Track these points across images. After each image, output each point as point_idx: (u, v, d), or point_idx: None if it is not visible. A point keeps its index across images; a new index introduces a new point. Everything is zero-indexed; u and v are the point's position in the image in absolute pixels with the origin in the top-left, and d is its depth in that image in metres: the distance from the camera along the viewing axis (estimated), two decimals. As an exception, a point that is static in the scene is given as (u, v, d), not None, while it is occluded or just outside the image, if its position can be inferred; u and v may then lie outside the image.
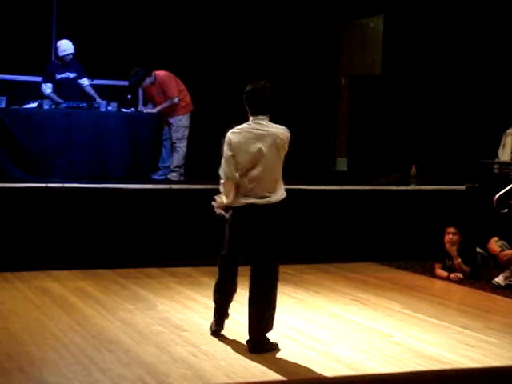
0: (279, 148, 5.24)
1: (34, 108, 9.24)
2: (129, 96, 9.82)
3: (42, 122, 9.08)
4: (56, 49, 9.64)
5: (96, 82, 10.13)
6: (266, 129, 5.27)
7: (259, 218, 5.26)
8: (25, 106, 9.29)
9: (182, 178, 9.66)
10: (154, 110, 9.67)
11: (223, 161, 5.33)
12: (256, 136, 5.25)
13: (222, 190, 5.42)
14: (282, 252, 5.40)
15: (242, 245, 5.42)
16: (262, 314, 5.28)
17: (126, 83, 9.98)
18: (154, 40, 10.96)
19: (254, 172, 5.22)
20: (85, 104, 9.43)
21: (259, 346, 5.21)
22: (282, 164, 5.31)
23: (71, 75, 9.64)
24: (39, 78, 9.78)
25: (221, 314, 5.58)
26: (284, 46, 11.90)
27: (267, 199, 5.24)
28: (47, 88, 9.55)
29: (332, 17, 12.46)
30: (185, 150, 9.71)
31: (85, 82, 9.73)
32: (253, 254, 5.36)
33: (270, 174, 5.25)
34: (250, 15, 11.74)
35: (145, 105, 10.10)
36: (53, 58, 9.68)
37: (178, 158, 9.68)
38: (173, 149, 9.70)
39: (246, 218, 5.31)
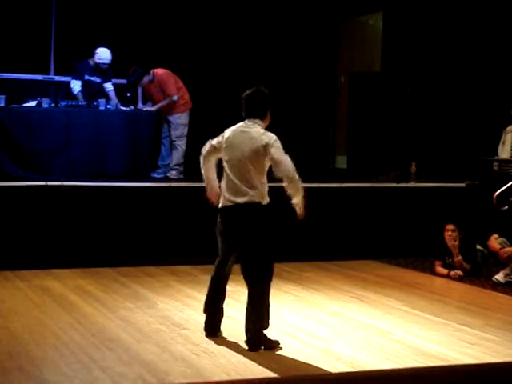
0: (257, 153, 5.25)
1: (33, 106, 9.24)
2: (128, 94, 9.82)
3: (41, 121, 9.08)
4: (94, 53, 9.61)
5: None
6: (250, 132, 5.33)
7: (242, 217, 5.32)
8: (24, 105, 9.29)
9: (182, 176, 9.65)
10: (153, 108, 9.67)
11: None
12: (241, 137, 5.34)
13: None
14: (268, 250, 5.37)
15: (232, 244, 5.46)
16: (253, 313, 5.29)
17: (125, 81, 9.98)
18: (153, 38, 10.96)
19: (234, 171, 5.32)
20: (84, 102, 9.43)
21: (255, 343, 5.23)
22: (263, 168, 5.34)
23: (98, 80, 9.68)
24: (38, 77, 9.77)
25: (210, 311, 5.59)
26: (283, 43, 11.89)
27: (246, 198, 5.27)
28: (76, 86, 9.59)
29: (331, 14, 12.45)
30: (184, 147, 9.70)
31: (109, 86, 9.75)
32: (240, 254, 5.41)
33: (245, 176, 5.28)
34: (249, 13, 11.74)
35: (144, 103, 10.10)
36: (89, 60, 9.67)
37: (177, 157, 9.68)
38: (172, 147, 9.70)
39: (231, 218, 5.37)
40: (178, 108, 9.68)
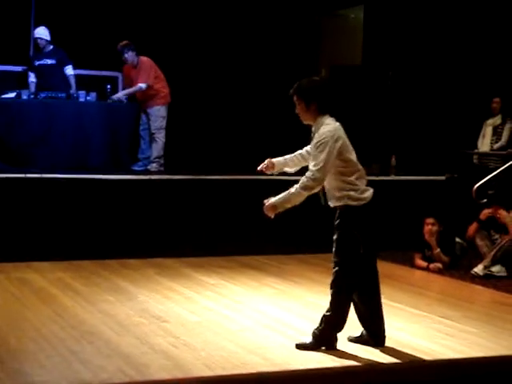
0: None
1: (12, 98, 9.18)
2: (108, 86, 9.77)
3: (20, 112, 9.03)
4: (33, 35, 9.66)
5: (75, 71, 10.06)
6: None
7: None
8: (3, 96, 9.22)
9: (162, 168, 9.63)
10: (120, 94, 9.61)
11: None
12: None
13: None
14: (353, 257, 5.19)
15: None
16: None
17: (105, 73, 9.94)
18: (134, 30, 10.90)
19: None
20: (64, 94, 9.37)
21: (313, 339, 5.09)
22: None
23: (49, 61, 9.60)
24: (18, 68, 9.72)
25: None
26: (265, 36, 11.89)
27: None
28: (30, 78, 9.63)
29: (313, 8, 12.45)
30: (163, 140, 9.68)
31: (68, 70, 9.70)
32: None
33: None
34: (230, 6, 11.72)
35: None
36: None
37: (157, 149, 9.66)
38: (151, 139, 9.67)
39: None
40: (157, 100, 9.65)
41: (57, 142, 9.08)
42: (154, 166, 9.60)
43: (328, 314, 5.13)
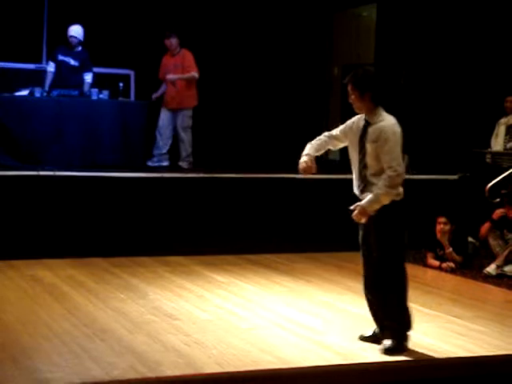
0: None
1: (25, 95, 9.21)
2: (120, 84, 9.78)
3: (33, 110, 9.05)
4: (67, 32, 9.61)
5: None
6: None
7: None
8: (16, 94, 9.25)
9: (191, 166, 9.72)
10: (171, 77, 9.60)
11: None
12: None
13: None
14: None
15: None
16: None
17: (118, 71, 9.95)
18: (147, 30, 10.91)
19: None
20: (76, 92, 9.39)
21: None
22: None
23: (72, 62, 9.58)
24: (31, 66, 9.73)
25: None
26: (277, 35, 11.87)
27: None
28: (49, 67, 9.59)
29: (325, 6, 12.43)
30: (190, 138, 9.79)
31: (88, 77, 9.65)
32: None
33: None
34: (245, 4, 11.71)
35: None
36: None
37: (185, 149, 9.79)
38: (179, 139, 9.75)
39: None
40: (191, 101, 9.71)
41: (69, 139, 9.10)
42: (185, 164, 9.74)
43: (388, 322, 5.10)
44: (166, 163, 9.79)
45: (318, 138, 5.37)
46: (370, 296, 5.21)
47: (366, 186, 5.11)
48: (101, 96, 9.45)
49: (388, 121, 5.10)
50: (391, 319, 5.11)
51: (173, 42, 9.66)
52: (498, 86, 10.17)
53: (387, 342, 5.07)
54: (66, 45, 9.59)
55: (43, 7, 10.73)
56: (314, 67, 12.41)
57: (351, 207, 5.08)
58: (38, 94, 9.18)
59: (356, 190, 5.23)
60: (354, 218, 5.07)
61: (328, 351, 5.04)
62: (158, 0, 11.21)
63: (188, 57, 9.68)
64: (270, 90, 11.92)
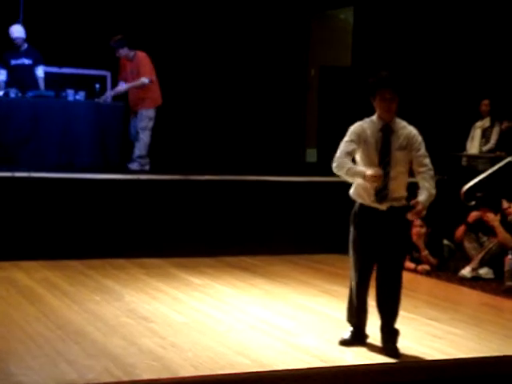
0: None
1: (-1, 97, 9.14)
2: (97, 85, 9.73)
3: (8, 111, 8.98)
4: (9, 34, 9.48)
5: (64, 70, 10.03)
6: None
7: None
8: (-10, 95, 9.19)
9: (146, 167, 9.58)
10: (123, 87, 9.53)
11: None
12: None
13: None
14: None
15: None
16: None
17: (94, 72, 9.89)
18: (123, 29, 10.84)
19: None
20: (52, 93, 9.33)
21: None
22: None
23: (27, 62, 9.49)
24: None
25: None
26: (254, 37, 11.88)
27: None
28: (1, 75, 9.44)
29: (302, 8, 12.46)
30: (146, 140, 9.60)
31: (40, 71, 9.54)
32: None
33: None
34: (220, 5, 11.70)
35: (114, 86, 9.99)
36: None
37: (139, 149, 9.60)
38: (136, 138, 9.64)
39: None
40: (148, 103, 9.57)
41: (45, 141, 9.04)
42: (135, 165, 9.55)
43: (395, 326, 5.20)
44: (146, 167, 9.69)
45: (344, 165, 5.08)
46: (384, 301, 5.23)
47: (387, 195, 5.08)
48: (77, 97, 9.39)
49: (408, 124, 5.19)
50: (395, 322, 5.20)
51: (121, 52, 9.48)
52: (474, 89, 10.25)
53: (395, 346, 5.13)
54: (11, 48, 9.49)
55: (18, 6, 10.65)
56: (291, 69, 12.44)
57: (413, 202, 5.01)
58: (13, 95, 9.11)
59: (367, 198, 5.14)
60: (416, 213, 5.00)
61: (304, 354, 5.04)
62: (138, 3, 11.19)
63: (142, 61, 9.48)
64: (248, 91, 11.93)
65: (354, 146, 5.08)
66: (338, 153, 5.10)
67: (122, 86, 9.56)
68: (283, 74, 12.27)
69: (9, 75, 9.43)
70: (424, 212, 5.05)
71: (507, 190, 8.43)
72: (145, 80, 9.44)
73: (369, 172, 4.93)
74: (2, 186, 7.94)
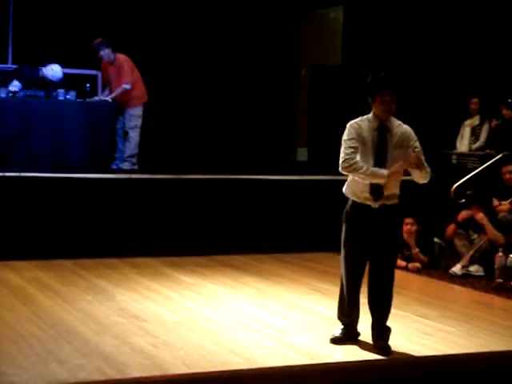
0: None
1: (-10, 96, 9.12)
2: (87, 85, 9.72)
3: (-1, 110, 8.97)
4: (43, 68, 9.44)
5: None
6: None
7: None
8: (-19, 94, 9.16)
9: (136, 167, 9.60)
10: (108, 98, 9.56)
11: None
12: None
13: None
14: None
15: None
16: None
17: (84, 72, 9.89)
18: (111, 28, 10.85)
19: None
20: (42, 92, 9.32)
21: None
22: None
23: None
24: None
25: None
26: (244, 36, 11.89)
27: None
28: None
29: (292, 7, 12.47)
30: (137, 139, 9.64)
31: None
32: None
33: None
34: (208, 4, 11.71)
35: (102, 90, 10.01)
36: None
37: (130, 148, 9.63)
38: (125, 138, 9.66)
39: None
40: (134, 101, 9.59)
41: (35, 140, 9.02)
42: (126, 165, 9.57)
43: (386, 324, 5.21)
44: (135, 166, 9.70)
45: (359, 164, 5.06)
46: (376, 299, 5.24)
47: (383, 194, 5.10)
48: (68, 96, 9.38)
49: (402, 123, 5.25)
50: (386, 320, 5.22)
51: (103, 54, 9.48)
52: (463, 87, 10.28)
53: (387, 343, 5.15)
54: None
55: (9, 7, 10.63)
56: (281, 68, 12.45)
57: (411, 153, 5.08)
58: (3, 95, 9.10)
59: (360, 195, 5.16)
60: (412, 160, 5.06)
61: (296, 352, 5.05)
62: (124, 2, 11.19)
63: (123, 65, 9.47)
64: (239, 91, 11.94)
65: (356, 143, 5.08)
66: (345, 153, 5.06)
67: (108, 97, 9.58)
68: (274, 73, 12.28)
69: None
70: (419, 164, 5.07)
71: (497, 187, 8.47)
72: (126, 86, 9.47)
73: (393, 170, 5.05)
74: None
